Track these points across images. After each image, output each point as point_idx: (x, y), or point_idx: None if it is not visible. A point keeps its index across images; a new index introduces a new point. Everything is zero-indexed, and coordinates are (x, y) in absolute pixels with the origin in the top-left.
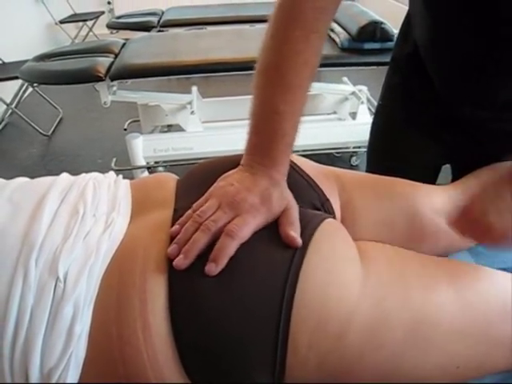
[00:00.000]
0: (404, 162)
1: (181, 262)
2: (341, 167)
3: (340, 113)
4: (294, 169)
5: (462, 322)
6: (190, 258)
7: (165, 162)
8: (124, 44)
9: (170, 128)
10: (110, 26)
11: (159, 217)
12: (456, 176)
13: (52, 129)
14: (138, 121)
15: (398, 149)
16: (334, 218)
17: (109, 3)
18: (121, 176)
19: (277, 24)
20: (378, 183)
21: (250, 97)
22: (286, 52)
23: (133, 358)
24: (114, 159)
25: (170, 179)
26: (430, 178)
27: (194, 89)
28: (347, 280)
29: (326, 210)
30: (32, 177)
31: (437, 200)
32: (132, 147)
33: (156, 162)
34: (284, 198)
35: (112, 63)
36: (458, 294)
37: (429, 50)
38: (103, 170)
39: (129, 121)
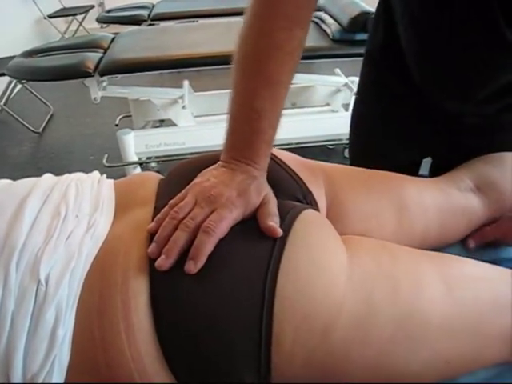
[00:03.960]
0: (383, 157)
1: (163, 262)
2: (334, 159)
3: (333, 105)
4: (275, 162)
5: (452, 317)
6: (172, 258)
7: (157, 157)
8: (113, 38)
9: (162, 123)
10: (100, 21)
11: (140, 215)
12: (435, 168)
13: (43, 126)
14: (130, 116)
15: (376, 146)
16: (317, 210)
17: None
18: (104, 176)
19: (256, 15)
20: (366, 177)
21: None
22: (265, 45)
23: (117, 360)
24: (106, 156)
25: (153, 178)
26: (412, 173)
27: (186, 83)
28: (332, 273)
29: (308, 202)
30: (23, 175)
31: (427, 193)
32: (123, 143)
33: (148, 158)
34: (262, 191)
35: (101, 58)
36: (449, 289)
37: (413, 45)
38: (95, 166)
39: (120, 116)
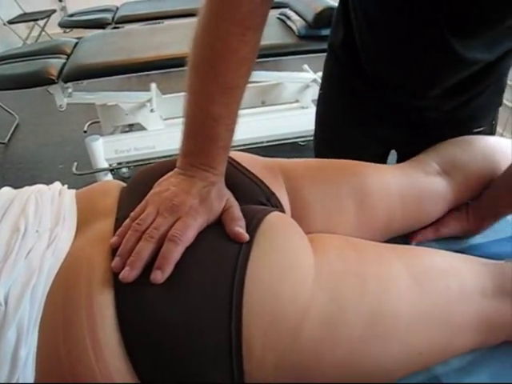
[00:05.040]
0: (348, 152)
1: (127, 274)
2: (307, 156)
3: (302, 101)
4: (234, 166)
5: (421, 309)
6: (137, 269)
7: (128, 162)
8: (76, 43)
9: (131, 127)
10: (62, 25)
11: (102, 227)
12: (401, 160)
13: (8, 136)
14: (98, 122)
15: (341, 140)
16: (282, 211)
17: (60, 1)
18: (66, 186)
19: (210, 17)
20: (326, 167)
21: None
22: (220, 49)
23: (85, 377)
24: (75, 163)
25: (115, 187)
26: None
27: (153, 86)
28: (299, 273)
29: (272, 204)
30: None
31: (390, 177)
32: (92, 150)
33: (119, 164)
34: (223, 196)
35: (64, 64)
36: (416, 282)
37: (365, 41)
38: (65, 175)
39: (88, 122)
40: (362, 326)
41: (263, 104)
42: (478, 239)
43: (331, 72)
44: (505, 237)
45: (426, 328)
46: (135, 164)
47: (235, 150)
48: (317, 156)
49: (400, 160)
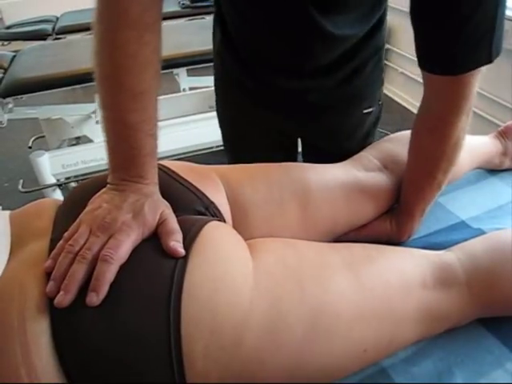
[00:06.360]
0: (256, 149)
1: (61, 298)
2: None
3: None
4: (169, 176)
5: (363, 306)
6: (72, 293)
7: (76, 176)
8: (14, 57)
9: (78, 140)
10: None
11: (36, 249)
12: (306, 149)
13: None
14: (44, 137)
15: (244, 137)
16: (222, 219)
17: None
18: (0, 207)
19: (103, 27)
20: (266, 172)
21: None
22: (121, 57)
23: None
24: (21, 181)
25: (50, 206)
26: (290, 157)
27: (97, 97)
28: (236, 284)
29: (211, 213)
30: None
31: (330, 177)
32: (38, 166)
33: (67, 178)
34: (157, 208)
35: (2, 79)
36: (357, 280)
37: (239, 31)
38: (11, 193)
39: (33, 138)
40: (303, 329)
41: (211, 109)
42: (419, 232)
43: (219, 74)
44: (446, 226)
45: (369, 324)
46: (84, 178)
47: (186, 158)
48: (229, 157)
49: (304, 149)
